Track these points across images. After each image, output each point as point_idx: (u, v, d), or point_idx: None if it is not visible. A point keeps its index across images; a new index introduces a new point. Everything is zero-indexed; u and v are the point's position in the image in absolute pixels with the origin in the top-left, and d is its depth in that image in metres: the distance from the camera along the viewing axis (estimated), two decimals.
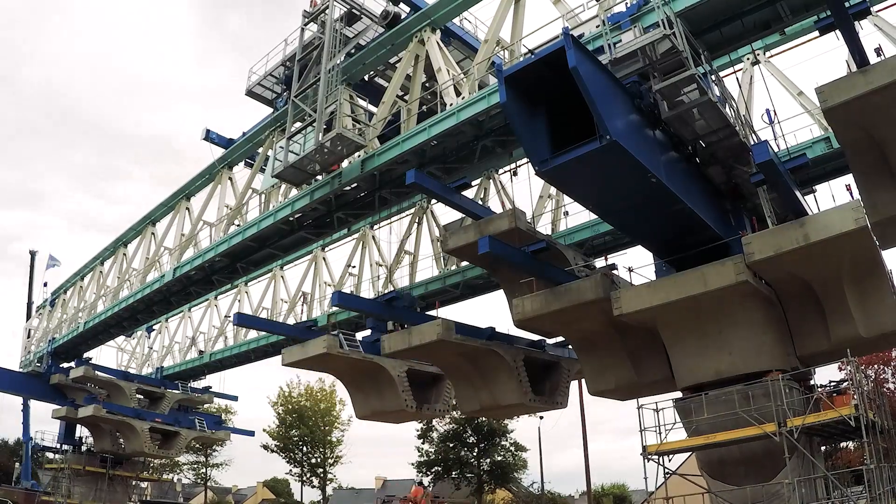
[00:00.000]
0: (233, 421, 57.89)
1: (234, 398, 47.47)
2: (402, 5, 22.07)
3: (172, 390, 41.55)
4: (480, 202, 25.45)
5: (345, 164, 21.37)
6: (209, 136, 29.29)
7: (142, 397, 40.91)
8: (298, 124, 21.82)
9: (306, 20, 22.80)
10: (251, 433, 48.08)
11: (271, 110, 26.03)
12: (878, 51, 14.35)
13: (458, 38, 22.03)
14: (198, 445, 58.56)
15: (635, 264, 17.61)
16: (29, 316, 48.24)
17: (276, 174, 22.11)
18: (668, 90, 14.11)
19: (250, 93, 25.56)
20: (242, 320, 25.84)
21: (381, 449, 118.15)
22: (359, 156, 20.85)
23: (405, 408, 24.61)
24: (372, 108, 22.33)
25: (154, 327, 43.25)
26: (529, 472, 53.50)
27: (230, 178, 29.15)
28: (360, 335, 25.78)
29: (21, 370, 44.66)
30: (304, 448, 58.57)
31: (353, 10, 22.07)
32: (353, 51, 22.62)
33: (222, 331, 39.71)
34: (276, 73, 24.74)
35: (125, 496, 42.83)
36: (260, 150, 27.05)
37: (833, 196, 17.56)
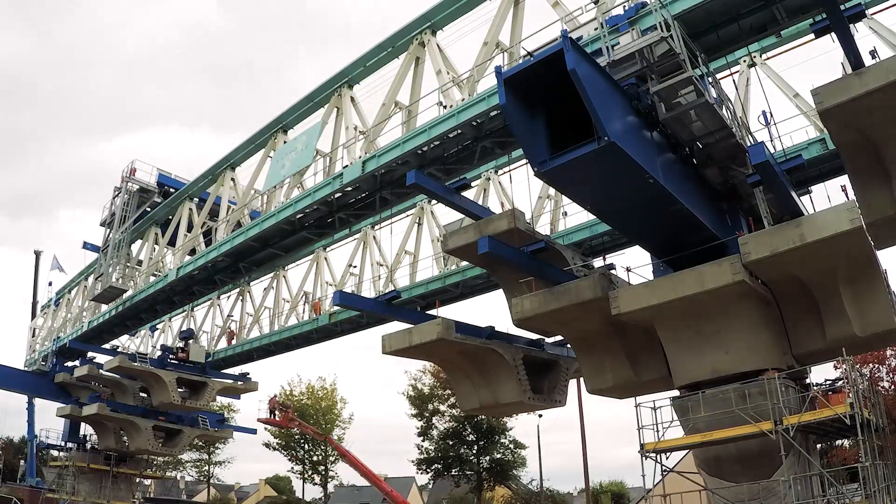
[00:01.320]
0: (235, 419, 57.93)
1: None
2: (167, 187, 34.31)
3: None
4: (480, 203, 25.48)
5: (347, 164, 21.50)
6: (85, 246, 40.16)
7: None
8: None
9: (115, 194, 34.95)
10: (253, 431, 48.05)
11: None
12: (873, 53, 14.35)
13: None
14: (201, 443, 58.59)
15: (633, 264, 17.62)
16: (34, 315, 48.26)
17: (92, 298, 35.51)
18: (666, 92, 14.11)
19: (102, 224, 36.01)
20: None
21: (382, 447, 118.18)
22: (360, 157, 20.94)
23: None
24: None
25: (157, 326, 43.18)
26: (528, 469, 53.53)
27: (232, 179, 29.18)
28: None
29: (26, 369, 44.70)
30: (306, 446, 58.59)
31: (143, 188, 34.62)
32: (148, 209, 34.49)
33: (225, 329, 39.71)
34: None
35: (129, 493, 42.79)
36: (260, 152, 27.22)
37: (828, 197, 17.61)
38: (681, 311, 15.47)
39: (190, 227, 31.31)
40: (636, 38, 14.24)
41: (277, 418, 39.77)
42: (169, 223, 33.21)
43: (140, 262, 35.36)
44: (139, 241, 35.79)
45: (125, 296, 34.42)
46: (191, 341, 38.18)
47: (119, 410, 38.20)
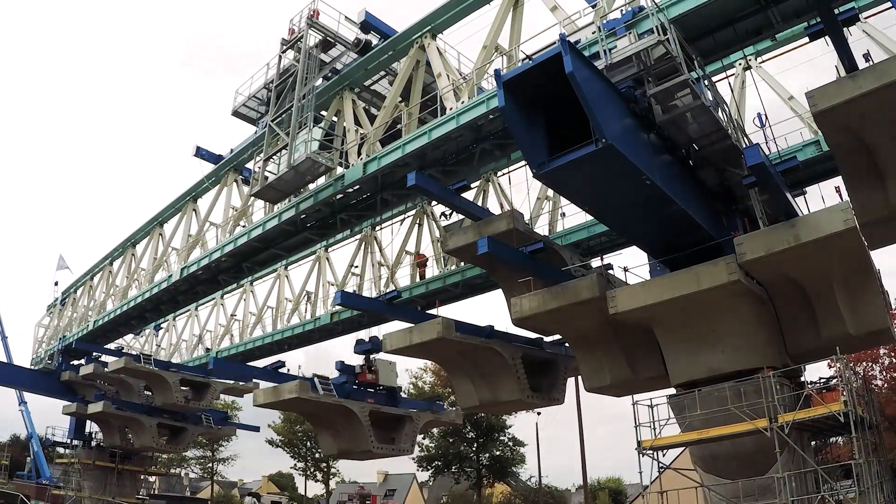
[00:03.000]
0: (238, 417, 57.93)
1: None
2: (372, 33, 22.35)
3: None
4: (479, 204, 25.50)
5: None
6: (199, 153, 29.57)
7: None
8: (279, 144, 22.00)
9: (284, 48, 22.88)
10: (256, 429, 48.08)
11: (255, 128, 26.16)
12: (867, 56, 14.37)
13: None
14: (204, 441, 58.59)
15: (630, 264, 17.63)
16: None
17: (255, 193, 22.84)
18: (663, 95, 14.13)
19: (236, 113, 26.00)
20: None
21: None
22: (361, 159, 20.92)
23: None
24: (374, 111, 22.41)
25: (162, 325, 43.18)
26: (527, 466, 53.53)
27: (235, 181, 29.17)
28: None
29: (32, 367, 44.71)
30: (309, 443, 58.59)
31: (328, 38, 22.36)
32: (329, 74, 23.24)
33: (228, 329, 39.73)
34: (260, 95, 25.00)
35: (134, 490, 42.81)
36: (251, 164, 27.06)
37: (823, 198, 17.60)
38: (677, 310, 15.48)
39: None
40: (633, 41, 14.27)
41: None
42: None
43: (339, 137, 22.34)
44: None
45: (129, 295, 34.19)
46: (376, 357, 27.99)
47: (124, 408, 38.21)
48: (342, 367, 27.67)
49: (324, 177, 22.21)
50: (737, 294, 14.89)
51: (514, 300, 17.87)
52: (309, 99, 21.50)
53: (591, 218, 21.24)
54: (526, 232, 19.17)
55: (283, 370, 30.26)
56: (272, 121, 22.40)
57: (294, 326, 33.91)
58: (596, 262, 19.66)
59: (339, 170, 21.82)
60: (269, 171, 21.92)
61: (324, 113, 23.46)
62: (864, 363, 33.83)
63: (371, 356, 27.86)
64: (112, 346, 40.60)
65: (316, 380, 25.52)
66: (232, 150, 28.66)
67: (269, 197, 22.97)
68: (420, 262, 28.05)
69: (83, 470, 40.31)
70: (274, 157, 21.87)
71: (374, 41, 22.32)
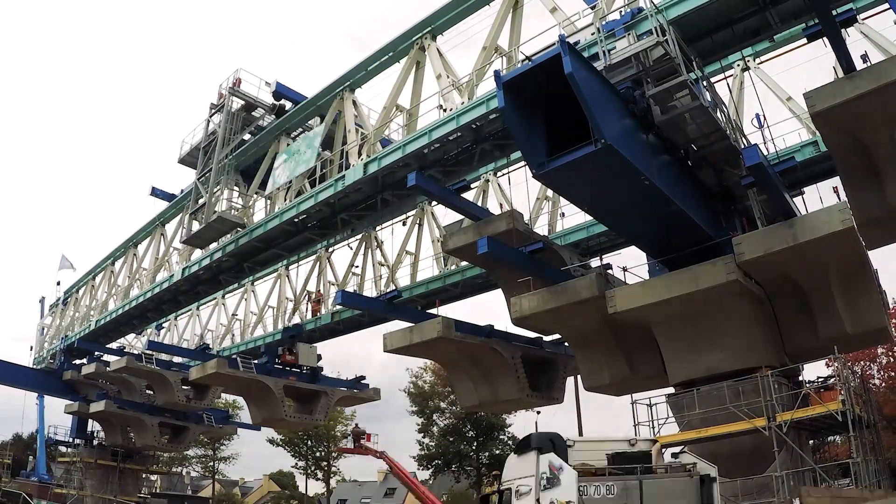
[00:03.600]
0: (239, 416, 57.88)
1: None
2: (283, 101, 25.88)
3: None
4: (479, 204, 25.49)
5: (351, 165, 21.47)
6: (154, 192, 33.30)
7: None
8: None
9: (212, 112, 26.82)
10: (258, 428, 47.95)
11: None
12: (865, 57, 14.35)
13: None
14: (206, 440, 58.56)
15: (629, 264, 17.68)
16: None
17: (184, 241, 27.06)
18: (661, 95, 14.13)
19: (182, 161, 28.87)
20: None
21: (383, 443, 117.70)
22: (362, 159, 20.96)
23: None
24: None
25: (163, 325, 43.18)
26: None
27: (236, 181, 29.15)
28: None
29: (35, 367, 44.70)
30: (309, 442, 58.56)
31: (249, 102, 26.20)
32: (253, 130, 26.71)
33: (230, 328, 39.71)
34: (201, 146, 27.55)
35: (135, 489, 42.82)
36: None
37: (821, 198, 17.58)
38: (676, 309, 15.49)
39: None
40: (632, 42, 14.27)
41: (360, 446, 38.61)
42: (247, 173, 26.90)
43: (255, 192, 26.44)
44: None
45: (131, 295, 34.24)
46: (299, 342, 31.83)
47: (126, 408, 38.21)
48: (265, 348, 31.77)
49: (325, 177, 22.56)
50: (735, 294, 14.89)
51: (514, 300, 17.88)
52: (230, 158, 25.53)
53: (591, 218, 21.24)
54: (525, 232, 19.18)
55: (210, 351, 34.76)
56: (198, 179, 26.55)
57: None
58: (595, 262, 19.70)
59: (340, 170, 21.98)
60: (197, 221, 25.80)
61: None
62: (861, 362, 33.79)
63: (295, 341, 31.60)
64: (114, 345, 40.62)
65: (238, 359, 29.59)
66: (182, 191, 31.63)
67: (195, 244, 26.88)
68: (316, 300, 31.59)
69: (85, 469, 40.32)
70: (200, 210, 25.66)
71: (288, 105, 25.70)
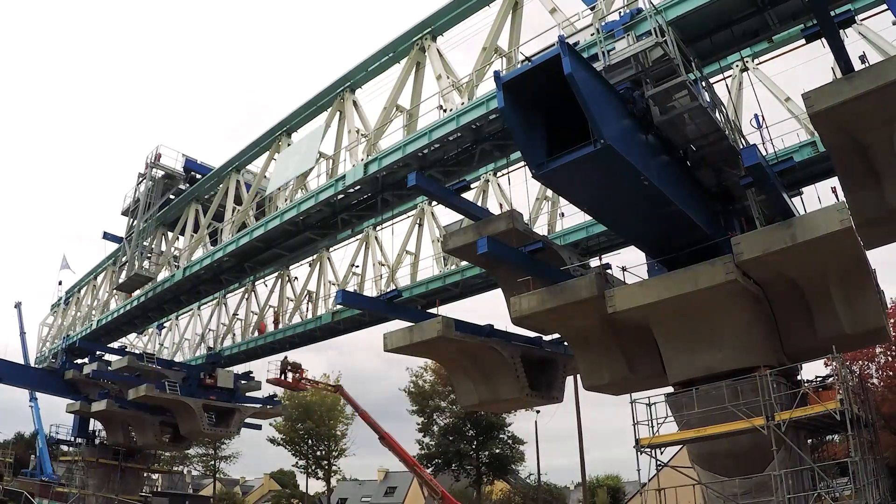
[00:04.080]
0: None
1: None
2: (194, 173, 32.72)
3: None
4: (479, 204, 25.48)
5: (350, 167, 21.56)
6: (106, 237, 38.64)
7: None
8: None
9: (139, 179, 33.28)
10: (258, 427, 47.98)
11: None
12: (863, 58, 14.33)
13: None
14: (206, 439, 58.49)
15: (628, 264, 17.62)
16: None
17: (116, 287, 33.74)
18: (660, 96, 14.11)
19: (125, 213, 34.54)
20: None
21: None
22: (362, 159, 20.98)
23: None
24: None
25: (165, 324, 43.18)
26: (527, 464, 53.47)
27: (238, 181, 29.18)
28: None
29: (36, 366, 44.68)
30: (310, 441, 58.57)
31: (168, 173, 32.99)
32: (172, 195, 33.06)
33: (231, 328, 39.70)
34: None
35: (137, 488, 42.77)
36: (264, 156, 27.29)
37: (819, 198, 17.54)
38: (675, 309, 15.48)
39: (196, 229, 30.91)
40: (631, 43, 14.26)
41: (289, 379, 38.77)
42: (176, 223, 32.90)
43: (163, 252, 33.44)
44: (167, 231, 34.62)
45: (148, 286, 34.55)
46: (218, 368, 37.66)
47: (127, 407, 38.16)
48: (188, 372, 37.17)
49: (325, 177, 22.84)
50: (734, 293, 14.88)
51: (514, 299, 17.86)
52: (151, 221, 32.18)
53: (590, 218, 21.24)
54: (525, 232, 19.14)
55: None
56: (126, 237, 33.22)
57: (296, 326, 33.92)
58: (594, 262, 19.66)
59: (341, 170, 22.07)
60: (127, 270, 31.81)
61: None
62: (860, 362, 33.79)
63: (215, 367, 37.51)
64: (115, 345, 40.60)
65: (165, 382, 35.13)
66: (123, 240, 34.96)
67: (125, 290, 33.64)
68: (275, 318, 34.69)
69: (87, 468, 40.30)
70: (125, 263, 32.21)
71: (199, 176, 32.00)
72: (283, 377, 37.12)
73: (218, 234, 29.43)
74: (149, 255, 32.36)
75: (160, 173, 32.75)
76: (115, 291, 36.67)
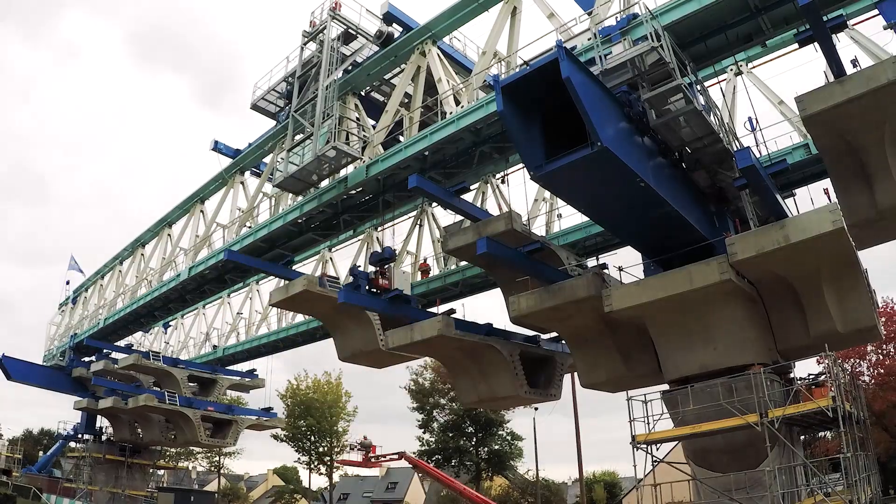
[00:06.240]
0: None
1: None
2: (395, 25, 21.96)
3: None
4: (478, 205, 25.49)
5: (350, 169, 21.51)
6: (217, 147, 29.23)
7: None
8: (300, 136, 21.96)
9: (305, 39, 22.85)
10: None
11: (274, 122, 25.96)
12: (854, 62, 14.36)
13: (451, 57, 21.96)
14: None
15: (625, 264, 17.63)
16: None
17: (277, 184, 22.62)
18: (656, 99, 14.13)
19: (255, 106, 25.30)
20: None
21: (385, 440, 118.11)
22: (363, 162, 20.90)
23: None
24: (370, 120, 22.49)
25: (170, 323, 43.20)
26: (525, 460, 53.51)
27: (241, 183, 29.20)
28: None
29: (44, 364, 44.70)
30: (312, 438, 58.54)
31: (350, 30, 22.30)
32: (349, 67, 22.68)
33: (235, 326, 39.73)
34: (279, 89, 24.57)
35: (143, 483, 42.84)
36: (267, 158, 27.17)
37: (812, 199, 17.58)
38: (670, 308, 15.48)
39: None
40: (628, 47, 14.27)
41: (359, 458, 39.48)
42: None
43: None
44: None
45: (138, 294, 34.25)
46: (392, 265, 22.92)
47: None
48: (353, 271, 23.56)
49: (327, 179, 22.30)
50: (728, 293, 14.89)
51: (513, 299, 17.86)
52: (332, 90, 21.22)
53: (587, 219, 21.24)
54: (523, 232, 19.16)
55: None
56: (295, 111, 22.07)
57: (298, 324, 33.93)
58: (592, 262, 19.66)
59: (343, 172, 21.82)
60: (292, 163, 21.58)
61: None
62: (851, 360, 33.80)
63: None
64: (122, 343, 40.63)
65: (165, 392, 34.80)
66: (250, 144, 28.42)
67: (292, 187, 22.63)
68: (423, 269, 28.23)
69: (94, 463, 40.32)
70: (296, 148, 21.57)
71: (397, 34, 21.77)
72: (366, 456, 38.62)
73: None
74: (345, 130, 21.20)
75: (338, 31, 22.11)
76: (265, 195, 26.95)
